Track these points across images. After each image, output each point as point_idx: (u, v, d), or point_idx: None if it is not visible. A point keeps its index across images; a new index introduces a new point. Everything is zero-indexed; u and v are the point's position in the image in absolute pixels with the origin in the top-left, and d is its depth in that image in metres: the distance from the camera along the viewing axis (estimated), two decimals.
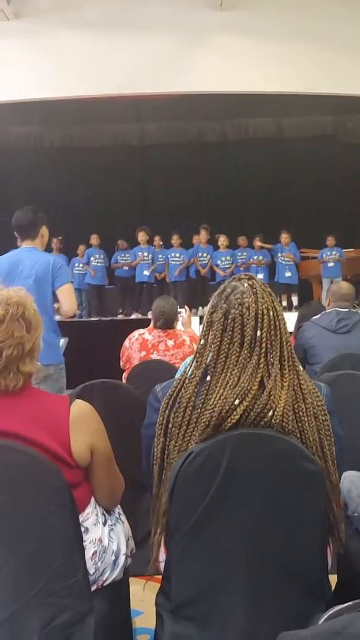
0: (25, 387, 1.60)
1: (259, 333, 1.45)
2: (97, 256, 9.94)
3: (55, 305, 3.51)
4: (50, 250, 9.78)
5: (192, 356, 1.57)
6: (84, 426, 1.60)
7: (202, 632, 1.40)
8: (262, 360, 1.44)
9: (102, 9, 7.91)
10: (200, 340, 1.54)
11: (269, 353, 1.45)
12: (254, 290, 1.51)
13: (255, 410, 1.39)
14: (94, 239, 10.04)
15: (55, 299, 3.45)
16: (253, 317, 1.46)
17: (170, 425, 1.49)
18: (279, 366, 1.46)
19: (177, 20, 7.91)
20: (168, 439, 1.50)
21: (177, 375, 1.60)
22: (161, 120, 11.64)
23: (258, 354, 1.44)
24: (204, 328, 1.54)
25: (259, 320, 1.46)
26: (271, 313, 1.48)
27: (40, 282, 3.36)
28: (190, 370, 1.53)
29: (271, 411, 1.39)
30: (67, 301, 3.48)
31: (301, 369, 1.53)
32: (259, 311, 1.47)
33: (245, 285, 1.52)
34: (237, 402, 1.39)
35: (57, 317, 3.72)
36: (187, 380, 1.52)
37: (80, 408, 1.63)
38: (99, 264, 9.96)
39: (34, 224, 3.55)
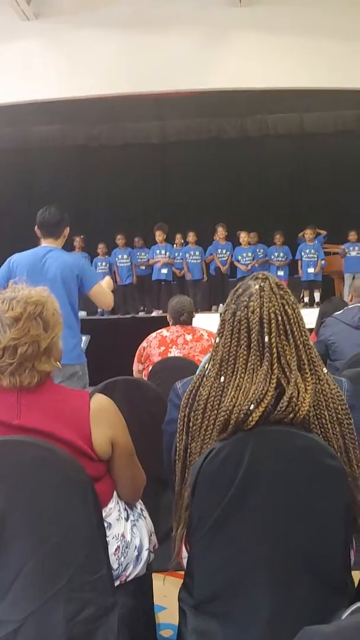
0: (43, 383, 1.61)
1: (267, 339, 1.43)
2: (123, 256, 9.96)
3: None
4: (73, 248, 9.83)
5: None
6: (104, 419, 1.62)
7: (225, 628, 1.41)
8: (275, 365, 1.42)
9: (122, 9, 7.92)
10: (216, 337, 1.54)
11: (282, 358, 1.42)
12: (262, 293, 1.47)
13: (276, 415, 1.37)
14: (120, 240, 10.03)
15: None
16: (257, 322, 1.44)
17: (191, 424, 1.50)
18: (298, 371, 1.43)
19: (197, 17, 7.90)
20: (190, 438, 1.50)
21: (198, 372, 1.60)
22: (182, 117, 11.62)
23: (269, 360, 1.42)
24: (219, 326, 1.54)
25: (265, 325, 1.43)
26: (279, 318, 1.44)
27: (66, 283, 3.39)
28: (208, 367, 1.53)
29: (292, 414, 1.37)
30: (102, 301, 3.64)
31: (324, 372, 1.50)
32: (264, 316, 1.44)
33: (257, 287, 1.49)
34: (252, 407, 1.37)
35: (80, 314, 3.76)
36: (205, 378, 1.52)
37: (100, 401, 1.64)
38: (124, 265, 9.97)
39: (61, 224, 3.57)
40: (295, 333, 1.46)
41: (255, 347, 1.44)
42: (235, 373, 1.45)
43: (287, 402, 1.37)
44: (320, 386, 1.46)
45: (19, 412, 1.55)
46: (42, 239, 3.62)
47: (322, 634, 0.87)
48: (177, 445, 1.53)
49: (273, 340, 1.42)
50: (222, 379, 1.47)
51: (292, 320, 1.46)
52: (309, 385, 1.42)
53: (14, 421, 1.54)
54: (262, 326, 1.44)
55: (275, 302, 1.46)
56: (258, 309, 1.45)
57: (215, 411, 1.44)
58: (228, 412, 1.39)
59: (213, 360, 1.52)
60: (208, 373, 1.52)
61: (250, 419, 1.37)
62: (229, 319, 1.50)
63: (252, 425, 1.37)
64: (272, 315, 1.44)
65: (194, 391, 1.53)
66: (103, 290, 3.59)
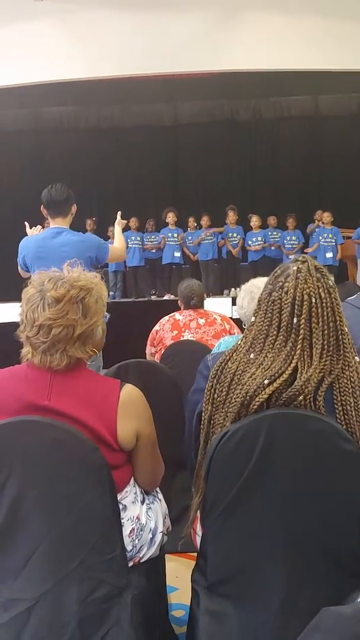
0: (75, 368, 1.61)
1: (295, 320, 1.43)
2: (132, 238, 9.90)
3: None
4: (85, 231, 9.80)
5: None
6: (132, 411, 1.62)
7: (238, 609, 1.42)
8: (298, 346, 1.42)
9: None
10: (252, 316, 1.54)
11: (306, 340, 1.42)
12: (299, 274, 1.46)
13: (288, 394, 1.38)
14: (133, 222, 9.90)
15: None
16: (290, 303, 1.44)
17: (216, 395, 1.51)
18: (320, 355, 1.42)
19: None
20: (214, 409, 1.51)
21: (230, 347, 1.60)
22: (194, 99, 11.52)
23: (294, 341, 1.42)
24: (256, 305, 1.54)
25: (297, 306, 1.43)
26: (313, 300, 1.44)
27: (83, 265, 3.35)
28: (240, 343, 1.54)
29: (302, 396, 1.38)
30: (120, 260, 3.61)
31: (355, 360, 1.48)
32: (297, 297, 1.44)
33: (295, 268, 1.48)
34: (266, 382, 1.39)
35: None
36: (235, 353, 1.53)
37: (130, 393, 1.64)
38: (135, 246, 9.90)
39: (68, 201, 3.50)
40: (327, 317, 1.45)
41: (284, 328, 1.44)
42: (262, 352, 1.46)
43: (300, 382, 1.38)
44: (349, 372, 1.45)
45: (50, 394, 1.56)
46: (50, 220, 3.54)
47: (341, 615, 0.88)
48: (203, 415, 1.54)
49: (302, 322, 1.43)
50: (252, 355, 1.48)
51: (325, 304, 1.45)
52: (318, 369, 1.41)
53: (43, 402, 1.55)
54: (294, 307, 1.44)
55: (311, 284, 1.46)
56: (292, 290, 1.45)
57: (241, 385, 1.45)
58: (246, 385, 1.41)
59: (245, 337, 1.53)
60: (239, 348, 1.53)
61: (264, 392, 1.38)
62: (264, 299, 1.51)
63: (261, 401, 1.38)
64: (305, 297, 1.44)
65: (223, 364, 1.53)
66: (116, 252, 3.74)
